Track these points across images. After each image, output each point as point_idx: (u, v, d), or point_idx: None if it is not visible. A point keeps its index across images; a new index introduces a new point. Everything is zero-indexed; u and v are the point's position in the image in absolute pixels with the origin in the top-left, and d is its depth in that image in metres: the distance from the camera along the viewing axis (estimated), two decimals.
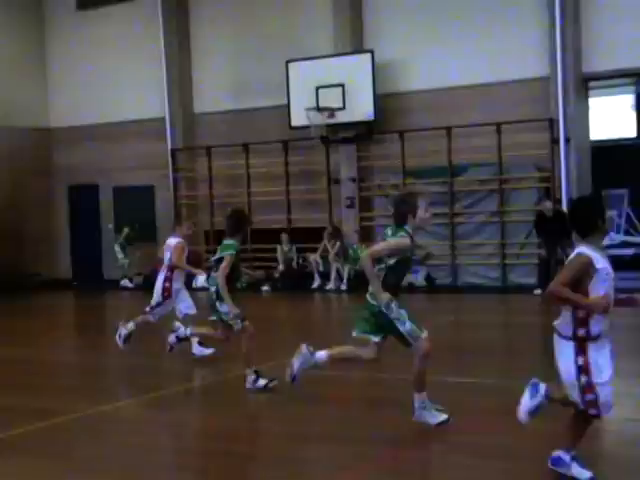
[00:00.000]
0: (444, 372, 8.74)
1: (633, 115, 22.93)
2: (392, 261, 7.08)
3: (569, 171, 17.95)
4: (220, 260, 9.03)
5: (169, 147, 22.49)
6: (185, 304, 11.09)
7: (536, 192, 18.41)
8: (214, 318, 9.22)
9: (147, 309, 11.10)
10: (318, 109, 19.42)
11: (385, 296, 6.98)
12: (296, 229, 20.70)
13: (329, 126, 19.81)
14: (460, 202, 19.08)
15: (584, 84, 18.29)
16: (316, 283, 19.70)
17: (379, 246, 7.22)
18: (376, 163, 20.22)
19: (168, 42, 22.34)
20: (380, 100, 19.33)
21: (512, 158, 18.31)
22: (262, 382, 8.92)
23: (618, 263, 18.68)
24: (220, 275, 8.92)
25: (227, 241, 9.15)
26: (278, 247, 20.46)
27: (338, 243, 19.28)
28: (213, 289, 9.08)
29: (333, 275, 19.36)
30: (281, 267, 20.28)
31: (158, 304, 11.04)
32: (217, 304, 9.02)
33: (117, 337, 11.07)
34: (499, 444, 6.86)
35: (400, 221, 7.09)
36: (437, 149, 18.92)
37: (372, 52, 19.36)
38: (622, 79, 19.83)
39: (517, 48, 18.27)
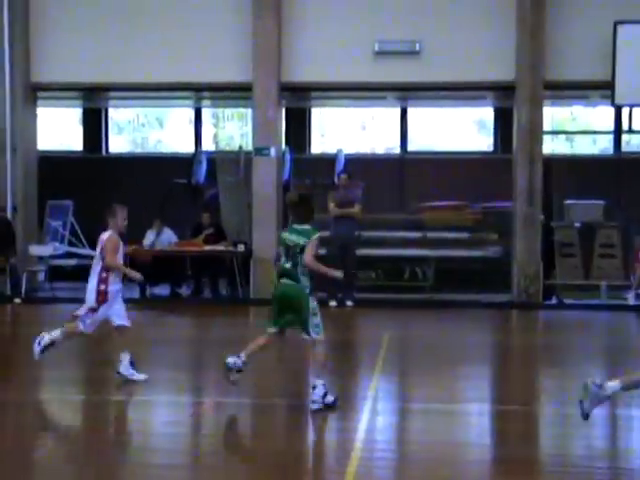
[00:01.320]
0: None
1: (80, 129, 23.52)
2: None
3: (15, 180, 17.91)
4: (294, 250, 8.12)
5: None
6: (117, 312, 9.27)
7: None
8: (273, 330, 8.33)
9: (78, 312, 9.22)
10: None
11: None
12: None
13: None
14: None
15: (33, 94, 18.35)
16: None
17: None
18: None
19: None
20: None
21: None
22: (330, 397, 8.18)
23: (60, 273, 19.08)
24: (308, 255, 8.08)
25: (303, 226, 8.20)
26: None
27: None
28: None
29: None
30: None
31: (92, 310, 9.11)
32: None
33: (36, 344, 9.10)
34: None
35: None
36: None
37: None
38: (71, 92, 20.19)
39: None
